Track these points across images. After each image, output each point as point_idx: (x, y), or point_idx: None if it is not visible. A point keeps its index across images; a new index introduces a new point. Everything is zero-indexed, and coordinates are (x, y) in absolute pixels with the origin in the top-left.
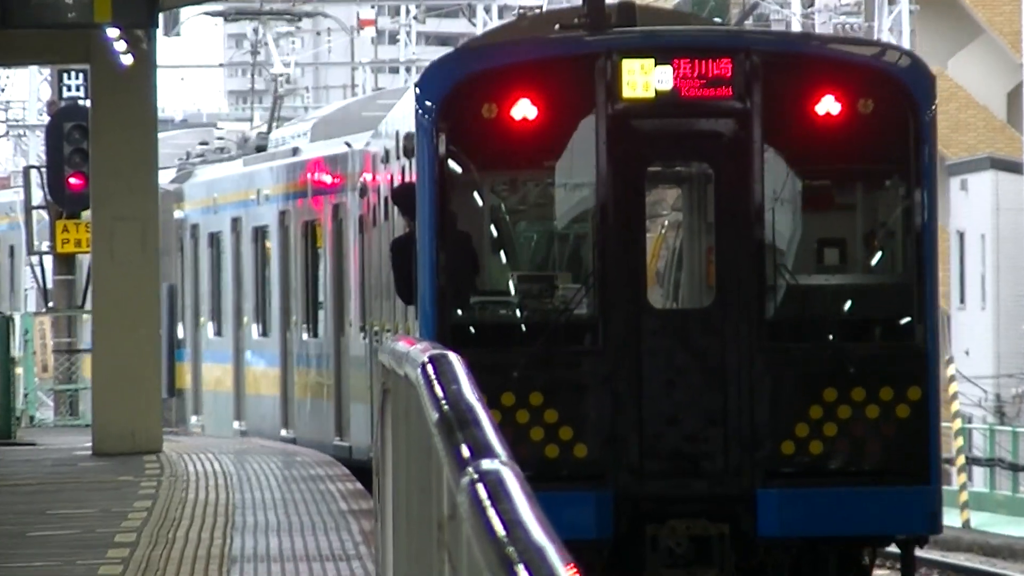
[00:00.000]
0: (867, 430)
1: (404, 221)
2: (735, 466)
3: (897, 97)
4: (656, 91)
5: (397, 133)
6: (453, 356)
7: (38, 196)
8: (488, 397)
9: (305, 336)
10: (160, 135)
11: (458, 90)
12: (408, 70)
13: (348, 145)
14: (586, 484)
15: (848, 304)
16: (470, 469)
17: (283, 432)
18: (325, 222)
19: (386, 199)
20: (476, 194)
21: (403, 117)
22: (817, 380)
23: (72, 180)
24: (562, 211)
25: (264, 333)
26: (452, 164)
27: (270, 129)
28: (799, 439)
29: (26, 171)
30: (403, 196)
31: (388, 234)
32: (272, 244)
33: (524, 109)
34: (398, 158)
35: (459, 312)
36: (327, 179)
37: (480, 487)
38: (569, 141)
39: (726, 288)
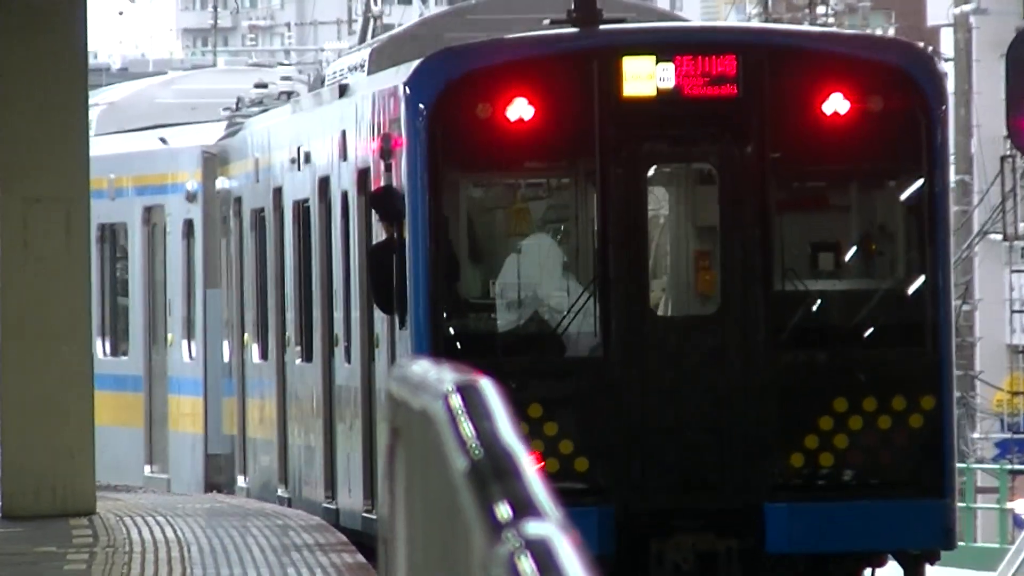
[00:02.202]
0: (879, 441)
1: (382, 226)
2: (742, 479)
3: (908, 94)
4: (658, 89)
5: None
6: (485, 383)
7: None
8: None
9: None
10: (159, 81)
11: (451, 90)
12: None
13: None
14: (588, 499)
15: (858, 310)
16: (511, 534)
17: (280, 492)
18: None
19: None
20: (471, 198)
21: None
22: (827, 389)
23: None
24: (561, 215)
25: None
26: (445, 167)
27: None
28: (808, 451)
29: None
30: (383, 200)
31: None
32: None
33: (520, 109)
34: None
35: (454, 321)
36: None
37: (525, 559)
38: (568, 142)
39: (731, 294)
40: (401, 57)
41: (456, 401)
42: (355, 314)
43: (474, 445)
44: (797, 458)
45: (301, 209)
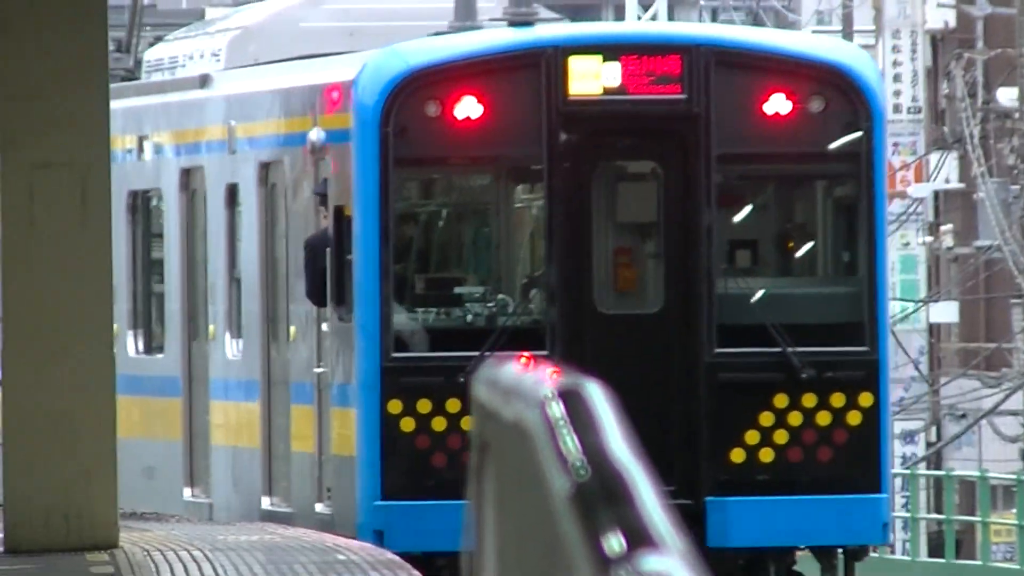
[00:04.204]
0: (818, 437)
1: (320, 219)
2: (684, 475)
3: (848, 96)
4: (603, 88)
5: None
6: (592, 387)
7: None
8: (433, 403)
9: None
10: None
11: (400, 88)
12: None
13: None
14: None
15: (798, 308)
16: (625, 571)
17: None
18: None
19: None
20: (420, 195)
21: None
22: (767, 386)
23: None
24: (509, 212)
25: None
26: (396, 164)
27: None
28: (749, 447)
29: None
30: (324, 191)
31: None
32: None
33: (469, 107)
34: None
35: (402, 316)
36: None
37: None
38: (515, 140)
39: (673, 292)
40: (260, 50)
41: (557, 410)
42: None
43: (579, 463)
44: (738, 454)
45: (143, 199)
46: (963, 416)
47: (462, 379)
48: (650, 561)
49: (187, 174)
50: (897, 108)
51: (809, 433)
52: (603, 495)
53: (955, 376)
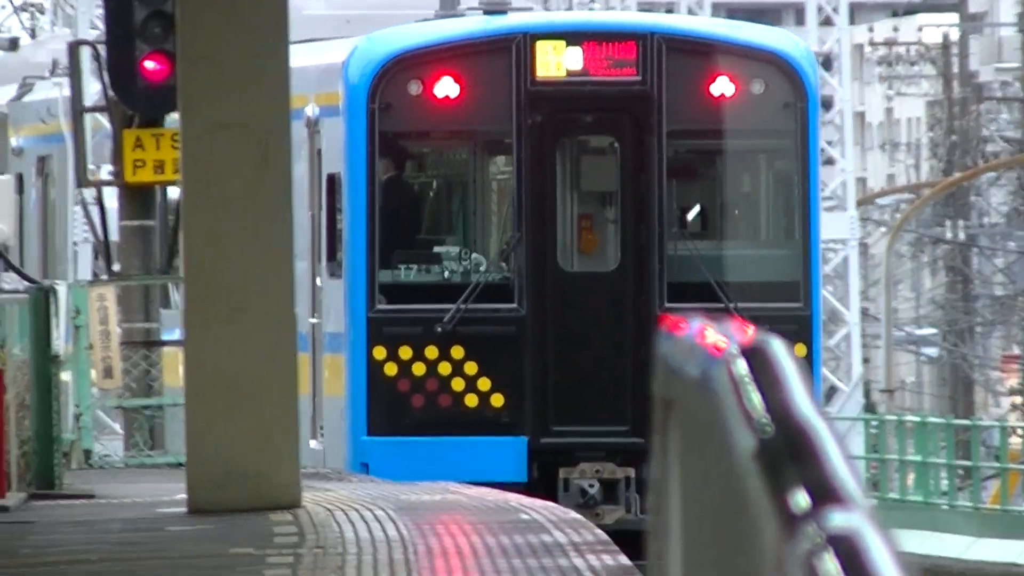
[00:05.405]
0: None
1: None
2: (637, 416)
3: (786, 79)
4: (567, 71)
5: None
6: (777, 344)
7: (93, 91)
8: (414, 350)
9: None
10: None
11: (386, 69)
12: None
13: None
14: (503, 431)
15: (740, 268)
16: (810, 528)
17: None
18: None
19: None
20: (403, 166)
21: None
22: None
23: (148, 64)
24: (483, 181)
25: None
26: (380, 137)
27: None
28: None
29: (72, 50)
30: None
31: None
32: None
33: (447, 86)
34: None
35: (387, 272)
36: None
37: (827, 558)
38: (488, 116)
39: (629, 253)
40: None
41: (741, 367)
42: None
43: (764, 420)
44: None
45: None
46: None
47: (439, 329)
48: (836, 517)
49: None
50: None
51: None
52: (788, 452)
53: None
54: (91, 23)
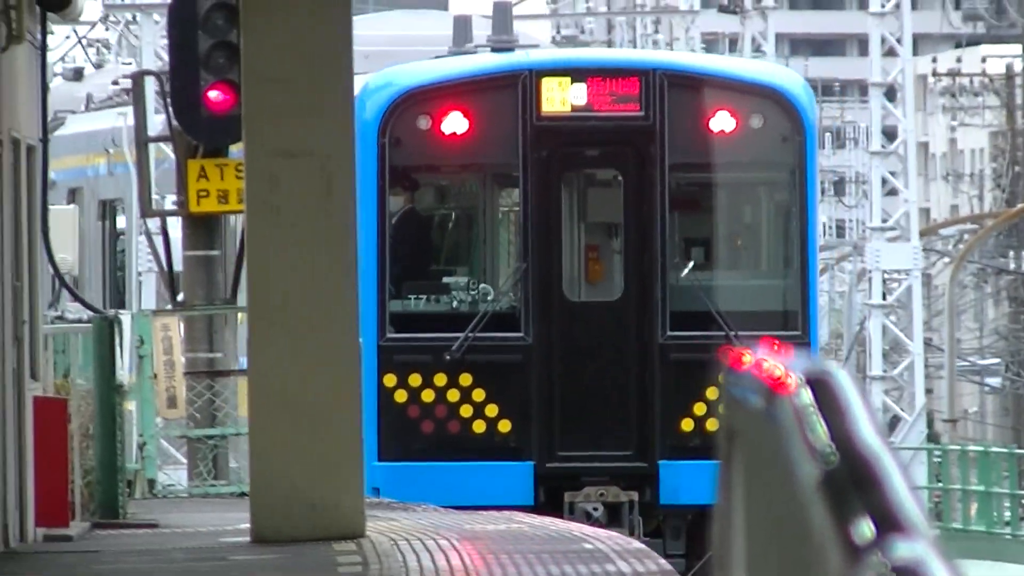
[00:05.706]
0: None
1: None
2: (641, 442)
3: (784, 114)
4: (572, 106)
5: None
6: (841, 374)
7: (157, 121)
8: (423, 378)
9: None
10: None
11: (396, 105)
12: None
13: None
14: (510, 456)
15: (741, 298)
16: (875, 556)
17: None
18: None
19: None
20: (413, 198)
21: None
22: (714, 365)
23: (212, 95)
24: (490, 213)
25: None
26: (391, 171)
27: None
28: (697, 417)
29: (137, 80)
30: None
31: None
32: None
33: (455, 121)
34: None
35: (398, 302)
36: None
37: None
38: (496, 150)
39: (632, 282)
40: None
41: (805, 397)
42: None
43: (828, 449)
44: (687, 423)
45: None
46: None
47: (448, 357)
48: (900, 547)
49: None
50: None
51: None
52: (852, 481)
53: None
54: (155, 53)
